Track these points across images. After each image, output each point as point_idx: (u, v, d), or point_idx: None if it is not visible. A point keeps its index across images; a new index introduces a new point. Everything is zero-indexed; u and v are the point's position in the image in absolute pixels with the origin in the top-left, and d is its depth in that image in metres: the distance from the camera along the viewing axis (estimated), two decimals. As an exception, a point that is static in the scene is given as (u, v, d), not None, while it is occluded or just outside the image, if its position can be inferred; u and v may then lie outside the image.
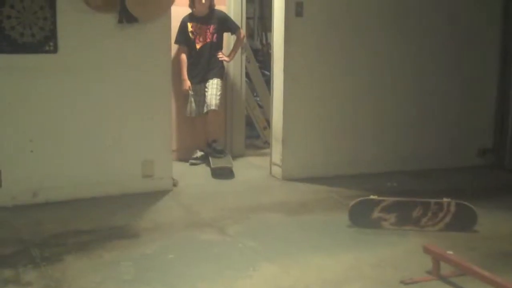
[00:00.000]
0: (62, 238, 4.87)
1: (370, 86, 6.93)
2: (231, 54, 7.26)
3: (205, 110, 7.07)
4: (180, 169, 6.64)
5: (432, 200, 5.23)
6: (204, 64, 7.11)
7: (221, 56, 7.13)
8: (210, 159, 6.95)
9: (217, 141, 7.16)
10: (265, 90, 8.16)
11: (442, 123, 7.29)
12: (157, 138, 6.07)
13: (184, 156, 7.31)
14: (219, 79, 7.09)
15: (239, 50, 7.44)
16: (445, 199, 5.21)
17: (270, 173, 6.87)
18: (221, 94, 7.11)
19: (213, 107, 6.96)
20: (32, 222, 5.22)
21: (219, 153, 7.02)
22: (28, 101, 5.56)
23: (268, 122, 7.44)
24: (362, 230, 5.16)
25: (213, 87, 7.02)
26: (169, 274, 4.28)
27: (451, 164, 7.19)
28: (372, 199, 5.25)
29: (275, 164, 6.82)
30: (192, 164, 7.19)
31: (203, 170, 7.02)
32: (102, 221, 5.29)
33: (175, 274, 4.28)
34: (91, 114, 5.79)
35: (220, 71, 7.18)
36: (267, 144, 7.48)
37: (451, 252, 4.42)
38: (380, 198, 5.26)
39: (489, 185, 6.66)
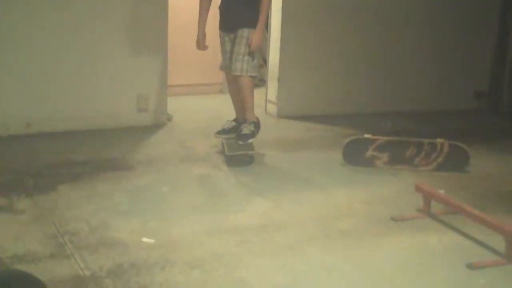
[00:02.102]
0: (56, 169, 4.88)
1: (368, 26, 6.87)
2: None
3: (232, 73, 5.27)
4: (176, 104, 6.61)
5: (426, 140, 5.24)
6: (234, 9, 5.26)
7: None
8: (225, 143, 5.33)
9: (248, 122, 5.26)
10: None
11: (439, 66, 7.26)
12: (152, 72, 6.04)
13: (182, 91, 7.26)
14: (249, 30, 5.17)
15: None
16: (438, 140, 5.23)
17: (265, 111, 6.85)
18: (251, 57, 5.20)
19: (237, 73, 5.18)
20: (27, 152, 5.23)
21: (242, 139, 5.20)
22: (22, 36, 5.50)
23: (265, 60, 7.39)
24: (355, 168, 5.18)
25: (241, 43, 5.17)
26: (162, 206, 4.32)
27: (447, 107, 7.19)
28: (366, 138, 5.26)
29: (271, 102, 6.81)
30: (217, 136, 5.49)
31: (198, 105, 7.00)
32: (96, 153, 5.30)
33: (168, 206, 4.32)
34: (86, 47, 5.74)
35: (254, 19, 5.20)
36: (263, 82, 7.45)
37: (442, 191, 4.47)
38: (374, 137, 5.27)
39: (483, 128, 6.67)
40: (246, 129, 5.22)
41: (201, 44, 5.40)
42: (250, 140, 5.20)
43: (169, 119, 6.24)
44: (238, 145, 5.19)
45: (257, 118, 5.34)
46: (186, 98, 7.17)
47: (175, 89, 7.20)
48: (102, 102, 5.87)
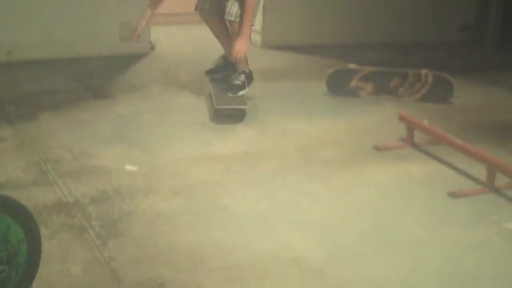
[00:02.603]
0: (38, 97, 4.83)
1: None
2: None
3: (226, 17, 4.62)
4: (159, 34, 6.51)
5: (410, 71, 5.22)
6: None
7: None
8: (213, 94, 4.74)
9: (239, 71, 4.75)
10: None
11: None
12: (135, 0, 5.91)
13: (166, 21, 7.13)
14: None
15: None
16: (423, 70, 5.21)
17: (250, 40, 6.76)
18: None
19: (231, 18, 4.58)
20: (8, 80, 5.16)
21: (232, 90, 4.68)
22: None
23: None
24: (339, 98, 5.16)
25: None
26: (145, 134, 4.30)
27: (433, 39, 7.13)
28: (350, 68, 5.23)
29: (255, 32, 6.71)
30: (207, 74, 5.03)
31: (181, 35, 6.90)
32: (78, 81, 5.24)
33: (151, 134, 4.30)
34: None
35: None
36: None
37: (425, 122, 4.48)
38: (359, 67, 5.24)
39: (469, 60, 6.64)
40: (236, 79, 4.71)
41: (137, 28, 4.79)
42: (241, 93, 4.66)
43: (152, 48, 6.16)
44: (228, 98, 4.63)
45: (249, 69, 4.80)
46: (170, 28, 7.06)
47: (158, 18, 7.06)
48: (84, 30, 5.76)
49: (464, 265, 3.01)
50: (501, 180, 3.75)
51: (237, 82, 4.69)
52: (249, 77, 4.80)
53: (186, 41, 6.69)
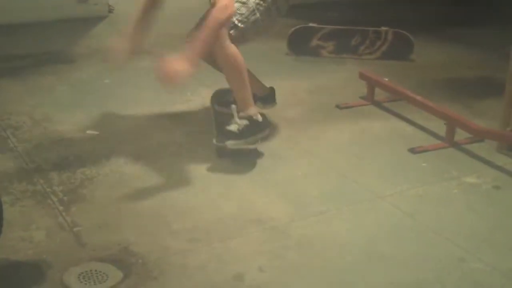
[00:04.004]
0: (-5, 63, 4.75)
1: None
2: None
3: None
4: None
5: (371, 29, 5.23)
6: None
7: None
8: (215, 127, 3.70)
9: (247, 115, 3.52)
10: None
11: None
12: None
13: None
14: None
15: None
16: (383, 28, 5.22)
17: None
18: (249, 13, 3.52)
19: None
20: (-37, 47, 5.06)
21: (222, 137, 3.46)
22: None
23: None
24: (300, 58, 5.17)
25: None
26: (106, 99, 4.26)
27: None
28: (311, 27, 5.22)
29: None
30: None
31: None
32: (36, 46, 5.15)
33: (112, 99, 4.26)
34: None
35: None
36: None
37: (386, 79, 4.51)
38: (319, 26, 5.23)
39: (429, 16, 6.66)
40: (232, 124, 3.48)
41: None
42: (232, 144, 3.44)
43: (111, 11, 6.06)
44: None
45: (260, 115, 3.57)
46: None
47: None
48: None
49: (425, 220, 3.06)
50: (460, 135, 3.81)
51: (231, 129, 3.47)
52: (254, 127, 3.52)
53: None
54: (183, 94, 4.35)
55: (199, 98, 4.33)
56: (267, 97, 3.96)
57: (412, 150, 3.71)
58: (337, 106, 4.28)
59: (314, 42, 5.19)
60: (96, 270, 2.62)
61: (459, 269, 2.71)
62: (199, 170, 3.45)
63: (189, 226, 2.96)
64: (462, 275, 2.68)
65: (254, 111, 3.55)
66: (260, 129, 3.56)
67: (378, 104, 4.31)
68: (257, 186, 3.33)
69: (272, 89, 4.00)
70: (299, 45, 5.19)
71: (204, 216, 3.04)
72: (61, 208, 3.05)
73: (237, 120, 3.47)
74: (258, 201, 3.20)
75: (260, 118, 3.55)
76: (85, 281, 2.56)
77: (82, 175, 3.35)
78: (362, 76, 4.43)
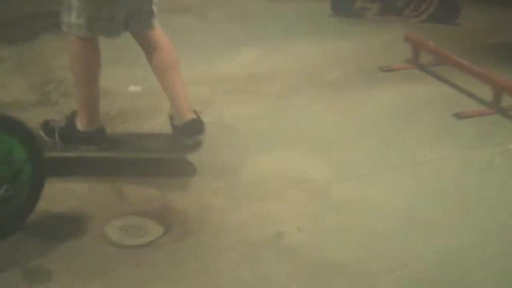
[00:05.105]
0: (37, 19, 4.76)
1: None
2: None
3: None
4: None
5: (416, -10, 5.13)
6: None
7: None
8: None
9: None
10: None
11: None
12: None
13: None
14: None
15: None
16: (428, -10, 5.11)
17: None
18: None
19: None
20: (3, 2, 5.07)
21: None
22: None
23: None
24: (344, 19, 5.09)
25: None
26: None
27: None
28: (355, -12, 5.14)
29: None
30: None
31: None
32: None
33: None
34: None
35: None
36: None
37: (431, 43, 4.41)
38: (364, -14, 5.15)
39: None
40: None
41: None
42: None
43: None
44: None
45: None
46: None
47: None
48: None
49: (468, 186, 3.01)
50: (506, 101, 3.73)
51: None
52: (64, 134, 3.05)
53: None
54: (226, 53, 4.32)
55: (240, 58, 4.30)
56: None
57: (457, 115, 3.64)
58: (380, 69, 4.21)
59: (359, 3, 5.10)
60: (136, 225, 2.64)
61: (501, 235, 2.67)
62: (240, 129, 3.43)
63: (229, 184, 2.95)
64: (504, 242, 2.63)
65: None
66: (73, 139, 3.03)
67: (422, 68, 4.24)
68: (298, 147, 3.30)
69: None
70: (343, 6, 5.11)
71: (244, 174, 3.04)
72: (102, 161, 3.06)
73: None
74: (298, 162, 3.18)
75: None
76: (126, 234, 2.58)
77: (123, 130, 3.36)
78: (407, 38, 4.35)
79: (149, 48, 3.07)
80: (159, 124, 3.43)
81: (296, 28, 4.90)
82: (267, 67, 4.21)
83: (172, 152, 3.11)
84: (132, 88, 3.80)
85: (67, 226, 2.62)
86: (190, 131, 3.03)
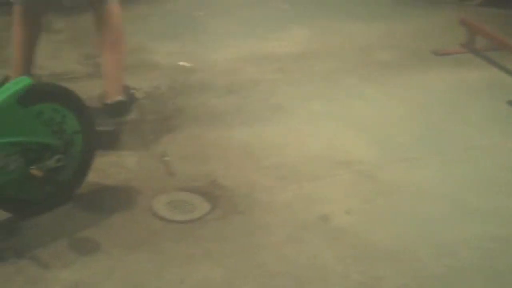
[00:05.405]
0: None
1: None
2: None
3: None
4: None
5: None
6: None
7: None
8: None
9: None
10: None
11: None
12: None
13: None
14: None
15: None
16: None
17: None
18: None
19: None
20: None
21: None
22: None
23: None
24: (398, 0, 5.00)
25: None
26: (199, 31, 4.25)
27: None
28: (412, -32, 5.03)
29: None
30: None
31: None
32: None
33: (205, 31, 4.26)
34: None
35: None
36: None
37: (487, 27, 4.31)
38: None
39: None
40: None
41: None
42: None
43: None
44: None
45: None
46: None
47: None
48: None
49: (521, 174, 2.95)
50: None
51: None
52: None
53: None
54: (276, 31, 4.29)
55: (291, 36, 4.26)
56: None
57: (511, 103, 3.56)
58: (434, 52, 4.13)
59: (415, -17, 5.00)
60: (184, 200, 2.65)
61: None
62: (289, 108, 3.41)
63: (277, 163, 2.94)
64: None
65: None
66: None
67: (478, 53, 4.14)
68: (347, 128, 3.27)
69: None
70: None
71: (292, 154, 3.02)
72: (152, 137, 3.08)
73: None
74: (347, 143, 3.15)
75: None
76: (173, 209, 2.60)
77: (173, 105, 3.37)
78: (463, 22, 4.26)
79: (98, 22, 3.10)
80: (209, 100, 3.44)
81: (350, 7, 4.83)
82: (319, 46, 4.17)
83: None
84: (183, 63, 3.80)
85: (115, 199, 2.65)
86: (112, 111, 3.11)
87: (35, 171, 2.39)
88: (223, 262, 2.34)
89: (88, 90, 3.34)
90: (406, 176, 2.90)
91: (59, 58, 3.75)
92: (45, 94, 2.49)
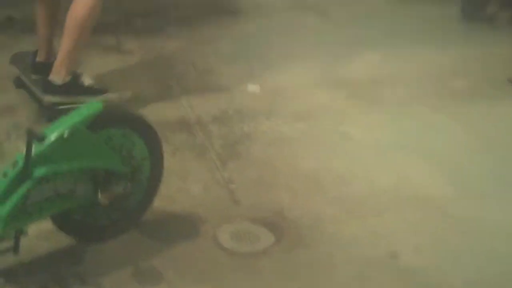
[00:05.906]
0: (164, 11, 4.81)
1: None
2: None
3: None
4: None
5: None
6: None
7: None
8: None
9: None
10: None
11: None
12: None
13: None
14: None
15: None
16: None
17: None
18: None
19: None
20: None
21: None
22: None
23: None
24: (474, 25, 4.85)
25: None
26: (269, 54, 4.21)
27: None
28: (488, -7, 4.91)
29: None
30: None
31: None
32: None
33: (274, 55, 4.20)
34: None
35: None
36: None
37: None
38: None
39: None
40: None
41: None
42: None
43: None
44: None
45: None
46: None
47: None
48: None
49: None
50: None
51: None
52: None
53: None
54: (347, 55, 4.24)
55: (362, 61, 4.19)
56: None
57: None
58: (510, 81, 4.01)
59: (491, 8, 4.87)
60: (248, 231, 2.63)
61: None
62: (357, 137, 3.36)
63: (343, 195, 2.89)
64: None
65: None
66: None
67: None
68: (416, 159, 3.18)
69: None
70: (474, 11, 4.89)
71: (359, 186, 2.96)
72: (218, 163, 3.07)
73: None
74: (415, 175, 3.07)
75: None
76: (238, 240, 2.57)
77: (240, 130, 3.35)
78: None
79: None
80: (277, 125, 3.41)
81: (421, 32, 4.73)
82: (390, 72, 4.09)
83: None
84: (251, 88, 3.78)
85: (180, 227, 2.63)
86: (40, 86, 3.34)
87: (103, 198, 2.40)
88: (286, 298, 2.30)
89: (157, 114, 3.37)
90: (480, 213, 2.80)
91: (130, 80, 3.78)
92: (115, 119, 2.50)
